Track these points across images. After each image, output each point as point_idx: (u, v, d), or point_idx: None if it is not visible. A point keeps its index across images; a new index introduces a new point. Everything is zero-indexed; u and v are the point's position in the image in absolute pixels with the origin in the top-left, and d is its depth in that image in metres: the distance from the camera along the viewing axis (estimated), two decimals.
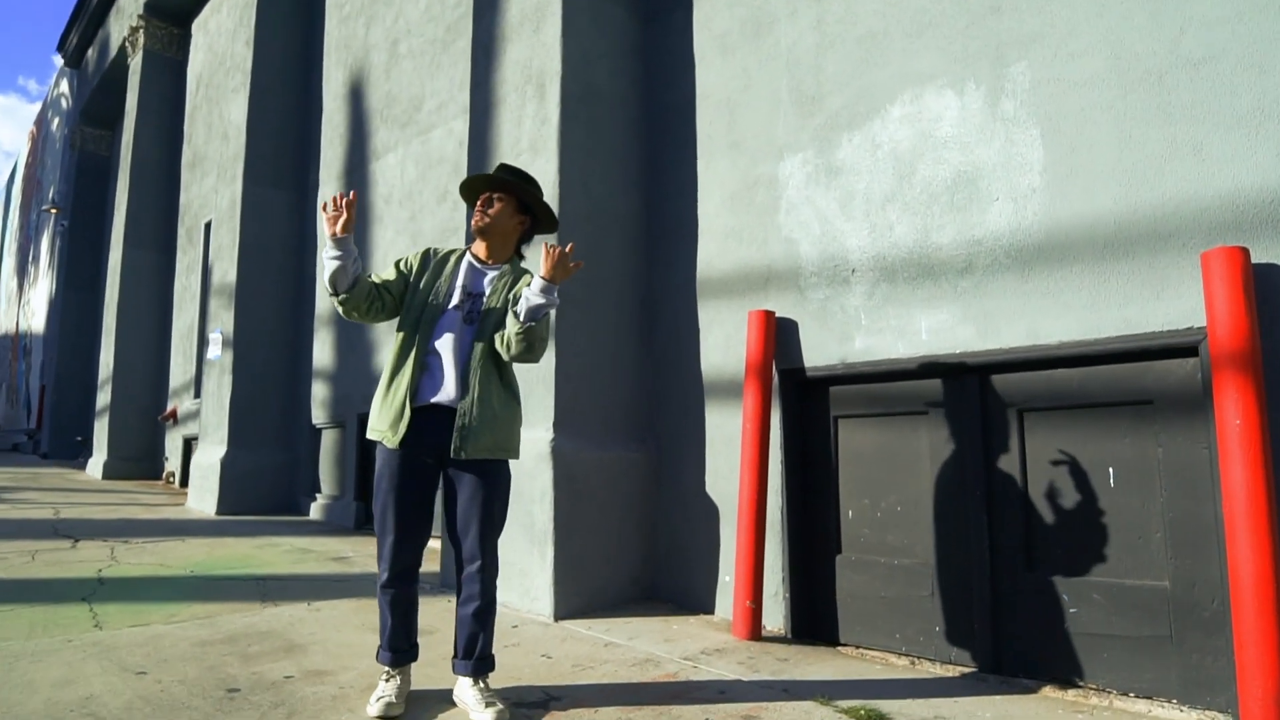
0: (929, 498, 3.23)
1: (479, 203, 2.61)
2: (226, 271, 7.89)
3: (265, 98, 8.13)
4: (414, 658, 2.55)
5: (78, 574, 4.41)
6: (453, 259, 2.66)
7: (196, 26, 11.49)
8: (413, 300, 2.57)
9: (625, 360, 4.26)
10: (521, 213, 2.66)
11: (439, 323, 2.52)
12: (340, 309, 2.52)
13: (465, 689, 2.47)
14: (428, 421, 2.44)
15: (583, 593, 3.79)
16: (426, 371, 2.48)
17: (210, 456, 7.59)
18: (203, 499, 7.52)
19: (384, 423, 2.46)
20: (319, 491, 7.42)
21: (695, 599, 3.92)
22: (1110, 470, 2.79)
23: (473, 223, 2.62)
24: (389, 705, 2.38)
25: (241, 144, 8.01)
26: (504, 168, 2.67)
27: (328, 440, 7.42)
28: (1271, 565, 2.22)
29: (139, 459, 10.90)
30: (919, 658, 3.16)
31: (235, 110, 8.30)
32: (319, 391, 7.52)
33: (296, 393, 7.91)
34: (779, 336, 3.70)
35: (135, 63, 12.08)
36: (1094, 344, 2.76)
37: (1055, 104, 2.93)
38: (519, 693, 2.65)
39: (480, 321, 2.52)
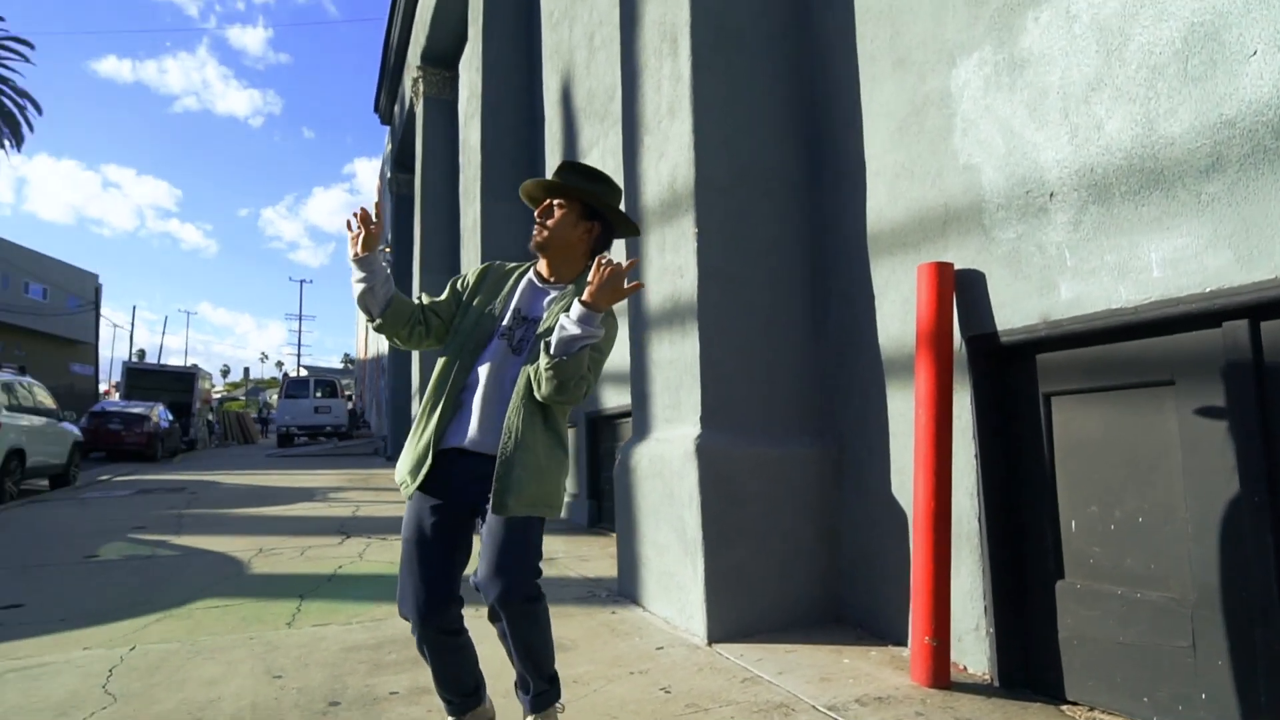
0: (1182, 505, 2.24)
1: (536, 213, 2.20)
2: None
3: (496, 117, 8.61)
4: (475, 703, 2.20)
5: (319, 570, 4.88)
6: (514, 277, 2.26)
7: (461, 66, 12.65)
8: (460, 324, 2.19)
9: (790, 340, 3.64)
10: (588, 219, 2.19)
11: (483, 352, 2.12)
12: (382, 335, 2.27)
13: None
14: (457, 467, 2.05)
15: (745, 610, 3.28)
16: (461, 410, 2.09)
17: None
18: None
19: (405, 466, 2.11)
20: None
21: (885, 624, 3.20)
22: None
23: (531, 239, 2.20)
24: None
25: (478, 164, 8.55)
26: (565, 168, 2.21)
27: (571, 439, 7.61)
28: None
29: None
30: None
31: (472, 134, 8.90)
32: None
33: None
34: (964, 294, 2.86)
35: (419, 109, 13.65)
36: None
37: None
38: None
39: (530, 351, 2.08)
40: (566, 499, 7.35)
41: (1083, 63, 2.46)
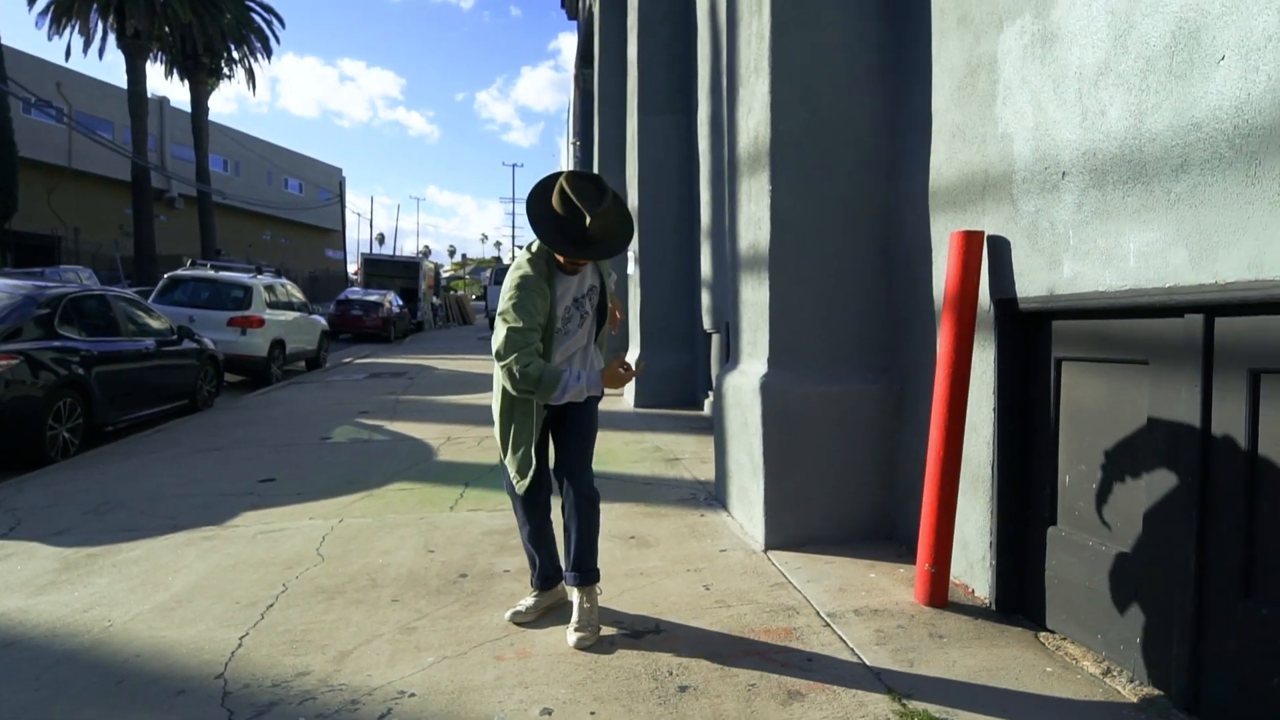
0: (1144, 475, 2.46)
1: (565, 262, 2.75)
2: (630, 196, 9.04)
3: (652, 31, 8.85)
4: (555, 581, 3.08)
5: (486, 460, 5.96)
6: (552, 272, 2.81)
7: None
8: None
9: (860, 286, 3.93)
10: None
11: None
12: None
13: (574, 598, 2.89)
14: None
15: (800, 524, 3.82)
16: None
17: (628, 359, 9.04)
18: (628, 393, 9.06)
19: None
20: (710, 389, 8.31)
21: (915, 544, 3.60)
22: None
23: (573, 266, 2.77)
24: (516, 613, 2.99)
25: (636, 77, 8.92)
26: (602, 217, 2.64)
27: (715, 344, 8.19)
28: None
29: (622, 350, 13.32)
30: (1116, 668, 2.52)
31: (631, 47, 9.22)
32: (705, 300, 8.28)
33: (694, 302, 8.83)
34: (995, 258, 3.05)
35: (596, 8, 13.95)
36: None
37: None
38: (638, 621, 2.98)
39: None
40: (710, 398, 8.01)
41: (1096, 44, 2.52)
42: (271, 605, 3.18)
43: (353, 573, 3.56)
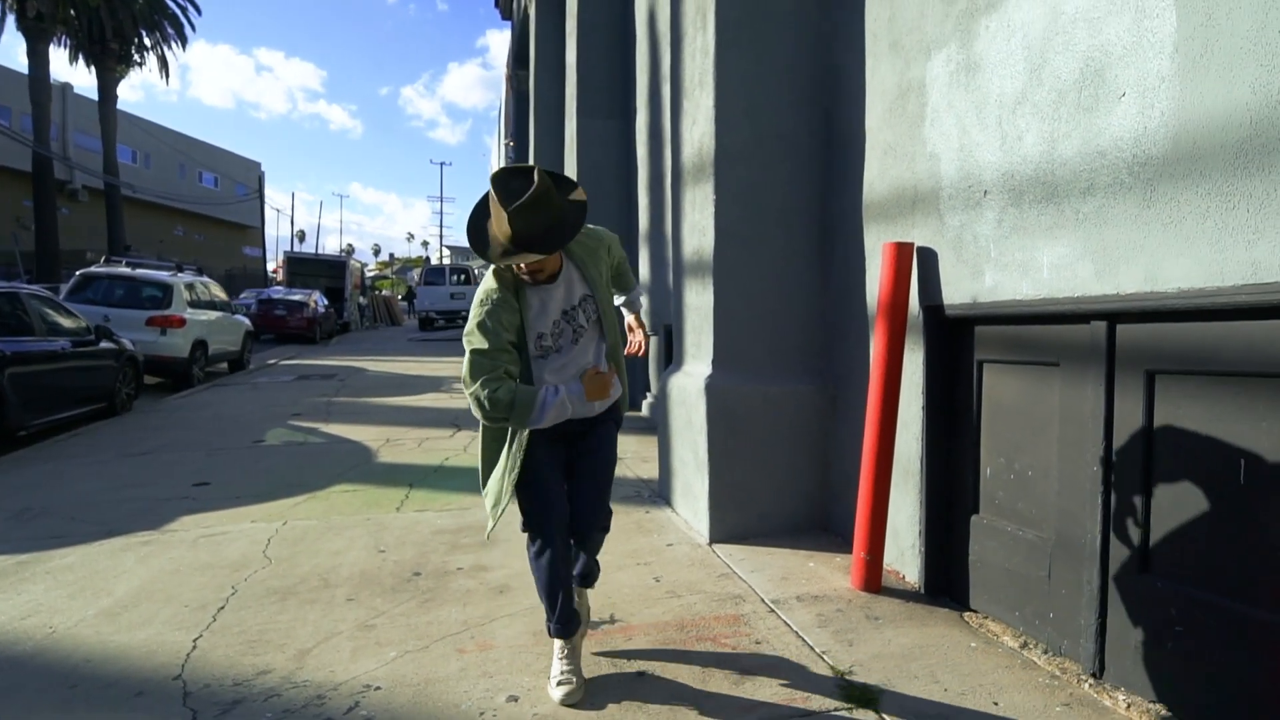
0: (1055, 466, 2.72)
1: (522, 264, 2.26)
2: None
3: (590, 36, 8.98)
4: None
5: (430, 461, 5.98)
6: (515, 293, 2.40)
7: None
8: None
9: (799, 291, 4.15)
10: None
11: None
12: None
13: None
14: None
15: (742, 519, 4.01)
16: None
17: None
18: None
19: None
20: (649, 390, 8.47)
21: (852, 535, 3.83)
22: (1242, 463, 2.08)
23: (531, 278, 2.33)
24: (567, 693, 2.41)
25: (574, 82, 9.03)
26: (519, 216, 2.15)
27: (652, 346, 8.36)
28: None
29: None
30: (1032, 641, 2.78)
31: (570, 52, 9.33)
32: (644, 303, 8.45)
33: None
34: (924, 268, 3.29)
35: (532, 11, 14.00)
36: (1217, 294, 2.04)
37: None
38: (594, 612, 3.10)
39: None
40: (651, 400, 8.18)
41: (1014, 75, 2.77)
42: (222, 607, 3.17)
43: (303, 574, 3.56)
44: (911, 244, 3.29)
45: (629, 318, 2.81)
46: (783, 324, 4.14)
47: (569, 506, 2.47)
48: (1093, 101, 2.43)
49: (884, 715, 2.30)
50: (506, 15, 19.67)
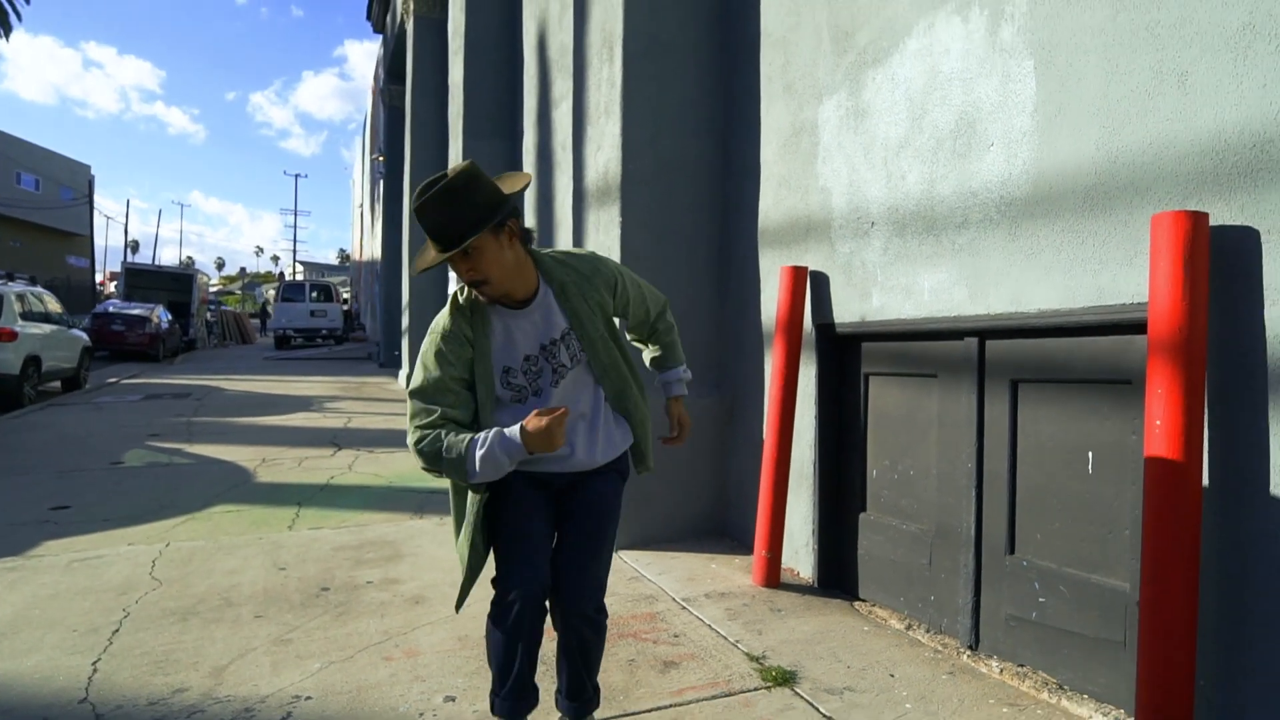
0: (934, 465, 3.09)
1: (454, 270, 1.88)
2: None
3: (478, 56, 9.03)
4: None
5: (314, 480, 5.79)
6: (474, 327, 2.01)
7: None
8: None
9: (699, 310, 4.42)
10: (502, 228, 1.86)
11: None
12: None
13: None
14: None
15: (648, 525, 4.19)
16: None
17: None
18: None
19: None
20: None
21: (752, 538, 4.11)
22: (1090, 455, 2.49)
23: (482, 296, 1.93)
24: None
25: (461, 102, 9.04)
26: (427, 208, 1.82)
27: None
28: (1177, 586, 1.95)
29: None
30: (916, 623, 3.12)
31: (456, 70, 9.34)
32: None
33: None
34: (817, 290, 3.63)
35: (410, 27, 13.82)
36: (1067, 314, 2.44)
37: (1050, 29, 2.50)
38: None
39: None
40: None
41: (898, 122, 3.16)
42: (117, 630, 3.01)
43: (201, 593, 3.42)
44: (806, 268, 3.62)
45: (672, 403, 2.35)
46: (685, 341, 4.37)
47: (551, 572, 1.98)
48: (966, 149, 2.83)
49: (799, 690, 2.54)
50: (379, 29, 19.26)
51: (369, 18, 19.14)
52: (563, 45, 7.44)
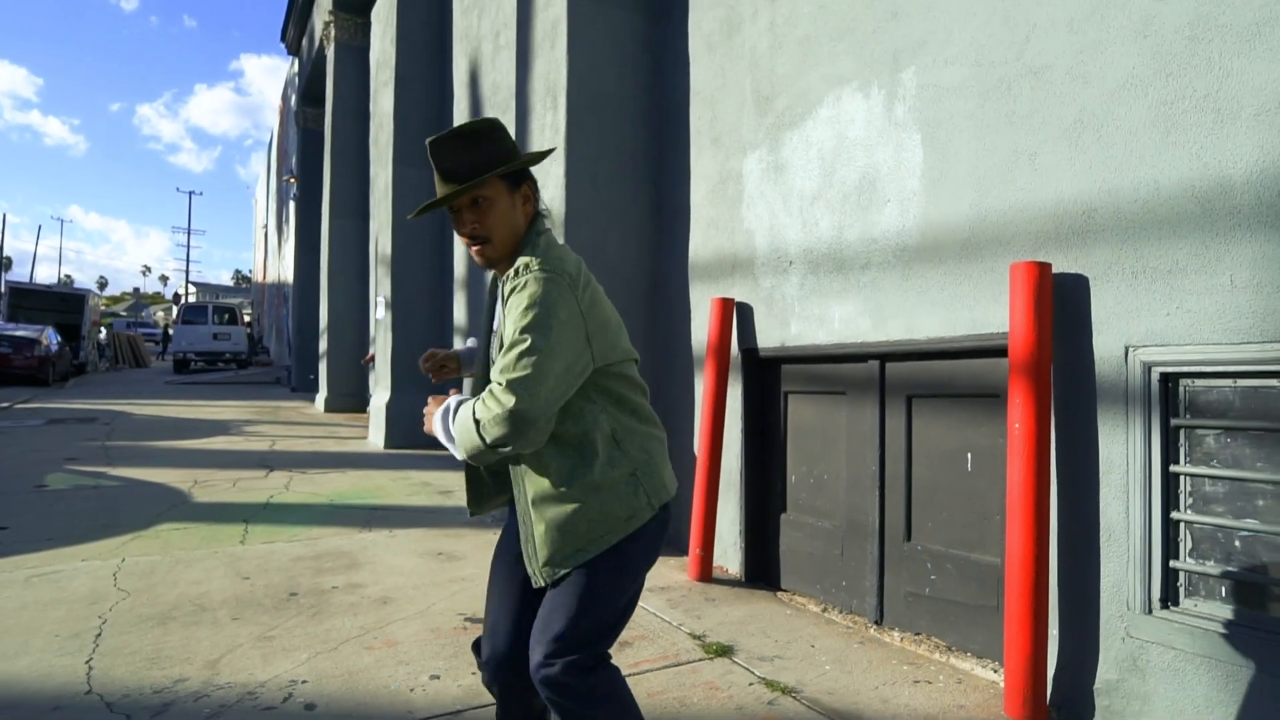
0: (844, 470, 3.62)
1: (455, 225, 1.74)
2: (384, 245, 9.33)
3: (408, 88, 9.32)
4: None
5: (254, 500, 5.90)
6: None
7: (373, 16, 12.98)
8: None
9: (636, 335, 4.86)
10: (517, 185, 1.73)
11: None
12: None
13: None
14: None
15: None
16: None
17: (379, 400, 9.20)
18: (376, 435, 9.18)
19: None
20: None
21: (685, 541, 4.56)
22: (969, 456, 3.05)
23: (479, 259, 1.76)
24: None
25: (391, 131, 9.28)
26: (448, 150, 1.69)
27: (466, 388, 8.70)
28: (1032, 558, 2.50)
29: (351, 395, 13.10)
30: (830, 605, 3.62)
31: (385, 101, 9.58)
32: (458, 345, 8.80)
33: (446, 343, 9.26)
34: (742, 319, 4.14)
35: (330, 53, 13.90)
36: (950, 341, 3.01)
37: (933, 110, 3.10)
38: (477, 612, 3.51)
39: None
40: None
41: (811, 177, 3.71)
42: (100, 634, 3.18)
43: (172, 600, 3.60)
44: (733, 299, 4.13)
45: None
46: None
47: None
48: (868, 203, 3.40)
49: (736, 660, 2.99)
50: (294, 51, 19.10)
51: (283, 39, 18.97)
52: (494, 84, 7.86)
